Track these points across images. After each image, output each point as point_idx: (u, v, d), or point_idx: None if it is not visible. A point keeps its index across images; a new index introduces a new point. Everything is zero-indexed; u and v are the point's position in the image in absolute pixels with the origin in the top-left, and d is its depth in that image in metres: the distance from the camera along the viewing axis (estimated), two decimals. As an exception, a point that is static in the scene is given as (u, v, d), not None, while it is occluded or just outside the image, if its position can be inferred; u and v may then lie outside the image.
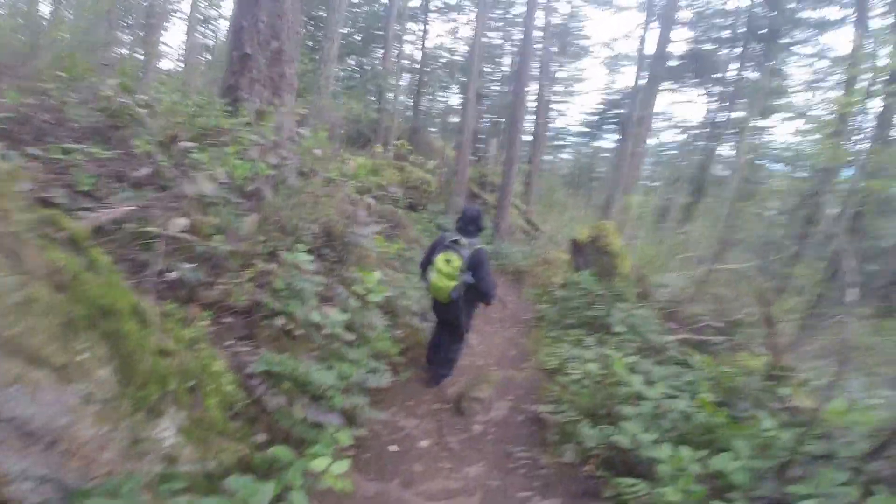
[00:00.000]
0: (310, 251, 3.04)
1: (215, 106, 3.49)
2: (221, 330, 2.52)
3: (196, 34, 13.91)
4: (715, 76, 19.53)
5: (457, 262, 3.87)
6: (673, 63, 18.11)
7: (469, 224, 4.06)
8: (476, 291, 3.98)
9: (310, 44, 13.23)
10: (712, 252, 8.92)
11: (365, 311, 3.32)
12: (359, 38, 18.07)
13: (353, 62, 19.55)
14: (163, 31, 13.41)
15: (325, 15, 12.25)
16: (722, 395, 3.57)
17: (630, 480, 2.53)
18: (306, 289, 2.70)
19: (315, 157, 3.97)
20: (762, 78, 17.38)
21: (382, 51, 17.10)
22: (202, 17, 14.04)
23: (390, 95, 16.00)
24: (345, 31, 17.52)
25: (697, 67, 18.66)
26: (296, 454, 2.19)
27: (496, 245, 12.20)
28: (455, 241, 3.96)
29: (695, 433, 2.76)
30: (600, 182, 28.18)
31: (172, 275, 2.21)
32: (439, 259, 3.95)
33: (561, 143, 32.98)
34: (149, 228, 2.19)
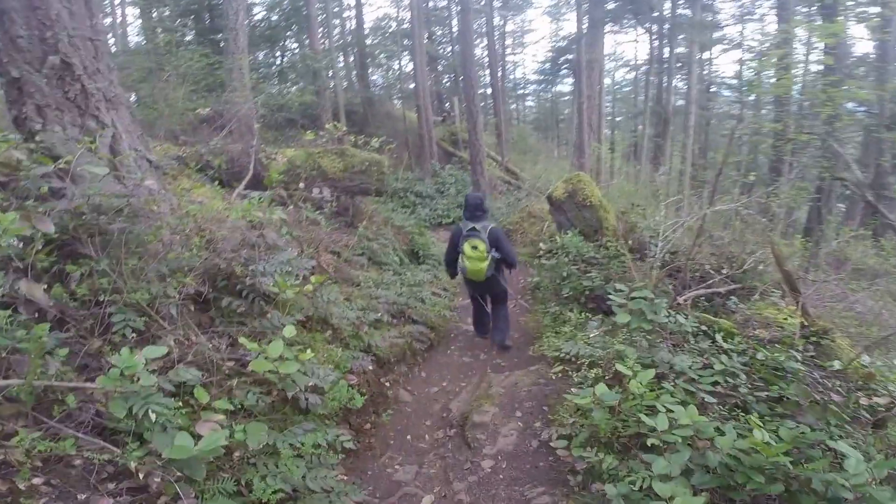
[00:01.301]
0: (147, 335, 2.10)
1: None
2: (63, 495, 1.65)
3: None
4: (652, 15, 19.11)
5: (481, 245, 4.47)
6: (610, 6, 17.87)
7: (476, 210, 4.62)
8: (503, 262, 4.67)
9: (219, 37, 11.70)
10: (699, 193, 8.13)
11: (295, 378, 2.42)
12: (283, 23, 16.28)
13: (289, 47, 17.84)
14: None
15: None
16: (766, 385, 2.81)
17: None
18: (156, 412, 1.78)
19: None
20: (694, 13, 17.50)
21: (307, 32, 15.59)
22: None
23: (327, 75, 14.58)
24: (272, 17, 15.86)
25: (634, 7, 18.14)
26: None
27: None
28: (472, 229, 4.51)
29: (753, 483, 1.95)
30: (566, 123, 28.68)
31: None
32: (466, 247, 4.53)
33: (522, 92, 32.94)
34: None
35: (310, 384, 2.56)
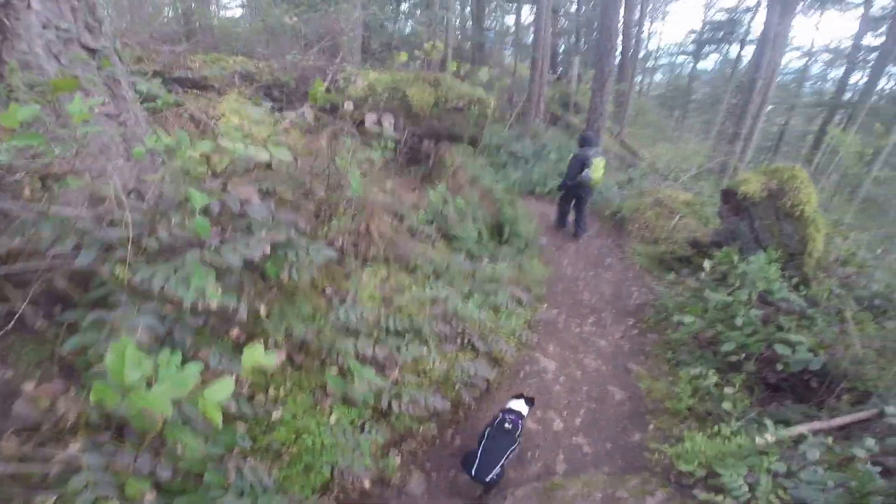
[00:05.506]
0: None
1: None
2: None
3: None
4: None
5: (603, 161, 6.11)
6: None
7: (598, 142, 6.44)
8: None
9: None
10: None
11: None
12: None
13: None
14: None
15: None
16: None
17: None
18: None
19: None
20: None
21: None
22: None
23: (443, 5, 11.98)
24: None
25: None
26: None
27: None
28: (596, 152, 6.05)
29: None
30: (698, 104, 24.02)
31: None
32: (596, 162, 5.98)
33: (653, 64, 27.79)
34: None
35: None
